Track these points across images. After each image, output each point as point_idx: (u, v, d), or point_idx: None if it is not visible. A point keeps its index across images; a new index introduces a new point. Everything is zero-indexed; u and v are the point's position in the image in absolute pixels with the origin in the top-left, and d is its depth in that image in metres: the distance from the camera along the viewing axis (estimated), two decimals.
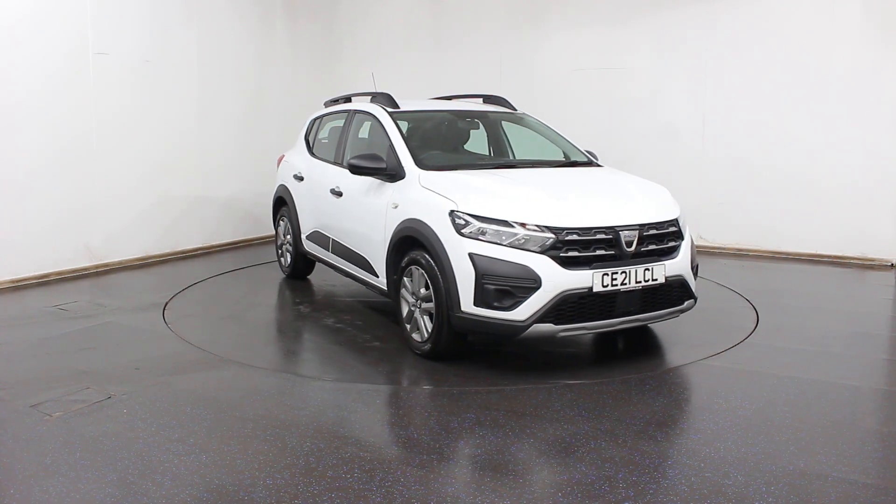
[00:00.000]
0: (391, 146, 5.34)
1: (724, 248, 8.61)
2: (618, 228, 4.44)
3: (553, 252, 4.28)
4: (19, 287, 6.71)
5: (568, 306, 4.29)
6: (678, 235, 4.75)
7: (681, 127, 8.76)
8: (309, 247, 6.65)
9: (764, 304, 6.07)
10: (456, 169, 5.17)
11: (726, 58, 8.43)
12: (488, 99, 6.61)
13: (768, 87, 8.22)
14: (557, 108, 9.20)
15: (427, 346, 4.71)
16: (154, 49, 7.92)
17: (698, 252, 8.60)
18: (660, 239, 4.62)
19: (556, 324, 4.30)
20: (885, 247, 7.78)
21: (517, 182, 4.92)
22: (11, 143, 6.64)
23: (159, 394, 4.15)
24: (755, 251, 8.42)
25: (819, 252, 8.10)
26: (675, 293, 4.67)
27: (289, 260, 7.13)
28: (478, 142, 6.28)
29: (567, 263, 4.29)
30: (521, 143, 6.30)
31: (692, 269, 4.82)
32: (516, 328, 4.29)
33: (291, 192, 6.91)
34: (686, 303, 4.80)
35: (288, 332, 5.69)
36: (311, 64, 10.33)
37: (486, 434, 3.62)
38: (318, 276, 7.17)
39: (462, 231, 4.43)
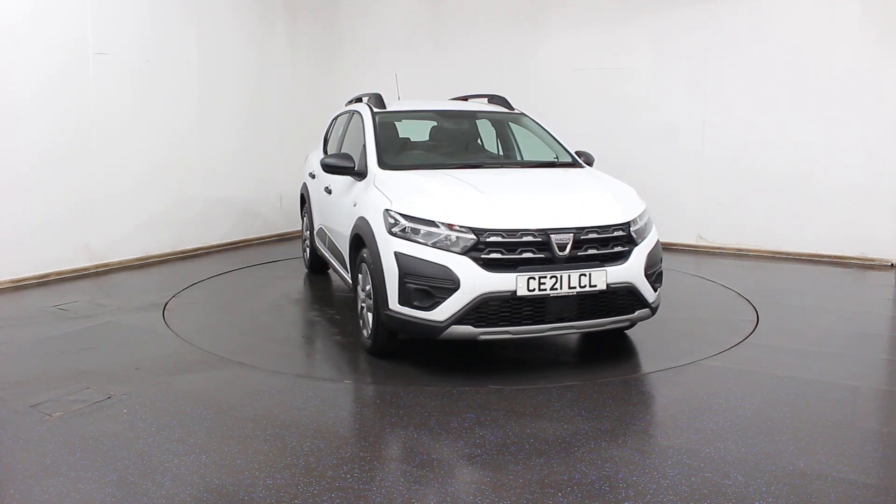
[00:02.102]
0: (364, 145, 5.45)
1: (724, 248, 8.61)
2: (549, 231, 4.28)
3: (474, 253, 4.21)
4: (19, 287, 6.70)
5: (489, 309, 4.21)
6: (628, 240, 4.50)
7: (681, 127, 8.76)
8: (318, 242, 6.84)
9: (764, 304, 6.07)
10: (417, 168, 5.21)
11: (726, 58, 8.43)
12: (492, 99, 6.61)
13: (768, 87, 8.22)
14: (557, 107, 9.20)
15: (369, 343, 4.80)
16: (154, 49, 7.92)
17: (698, 252, 8.70)
18: (603, 243, 4.39)
19: (475, 326, 4.24)
20: (885, 247, 7.78)
21: (464, 183, 4.74)
22: (12, 143, 6.64)
23: (159, 394, 4.15)
24: (755, 251, 8.42)
25: (819, 252, 8.10)
26: (622, 301, 4.45)
27: (308, 255, 7.40)
28: (485, 141, 6.30)
29: (489, 265, 4.20)
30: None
31: (649, 276, 4.53)
32: (435, 329, 4.26)
33: (308, 189, 7.20)
34: (638, 312, 4.55)
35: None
36: (311, 64, 10.33)
37: (486, 434, 3.62)
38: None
39: (392, 230, 4.46)
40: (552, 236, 4.27)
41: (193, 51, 8.41)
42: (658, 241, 4.76)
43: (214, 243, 8.86)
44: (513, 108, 6.36)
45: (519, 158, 6.06)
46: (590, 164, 5.75)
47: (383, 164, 5.19)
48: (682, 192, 8.80)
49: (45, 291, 6.60)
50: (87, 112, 7.27)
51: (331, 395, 4.23)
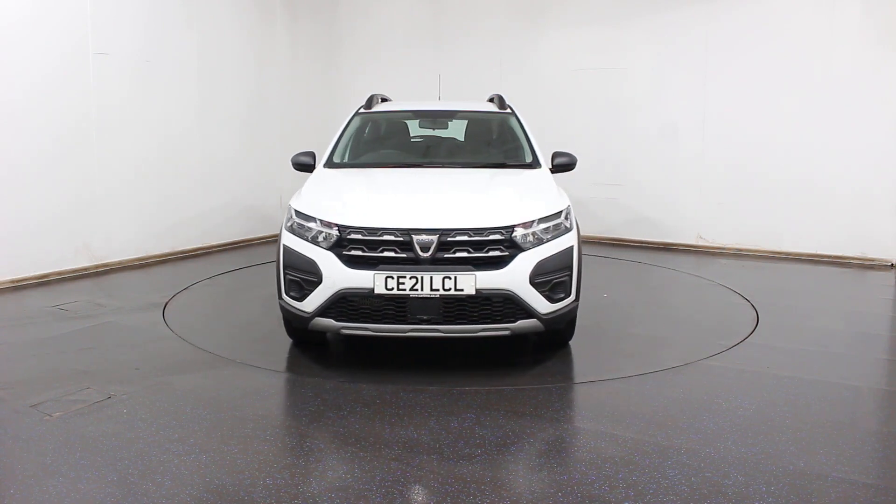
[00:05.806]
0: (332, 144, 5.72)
1: (724, 248, 8.62)
2: (411, 231, 4.23)
3: (338, 249, 4.33)
4: (19, 287, 6.70)
5: (350, 305, 4.31)
6: (510, 245, 4.27)
7: (681, 127, 8.77)
8: None
9: (764, 304, 6.07)
10: (360, 168, 5.49)
11: (726, 58, 8.44)
12: (494, 99, 6.60)
13: (768, 88, 8.23)
14: (557, 107, 9.21)
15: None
16: (153, 49, 7.92)
17: (698, 252, 8.70)
18: (477, 246, 4.23)
19: (337, 320, 4.36)
20: (885, 247, 7.79)
21: (366, 182, 5.02)
22: (12, 143, 6.63)
23: (159, 394, 4.15)
24: (755, 251, 8.42)
25: (819, 252, 8.10)
26: (499, 309, 4.24)
27: None
28: (462, 141, 6.30)
29: (351, 262, 4.28)
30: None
31: (539, 284, 4.28)
32: (303, 319, 4.46)
33: None
34: (521, 322, 4.29)
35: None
36: (310, 64, 10.33)
37: (486, 434, 3.62)
38: None
39: (287, 224, 4.68)
40: (414, 236, 4.24)
41: (193, 51, 8.41)
42: (569, 248, 4.47)
43: (214, 243, 8.86)
44: (504, 108, 6.23)
45: (485, 158, 5.81)
46: (570, 165, 5.48)
47: (330, 162, 5.50)
48: (682, 193, 8.81)
49: (45, 291, 6.60)
50: (87, 112, 7.27)
51: (331, 395, 4.23)
